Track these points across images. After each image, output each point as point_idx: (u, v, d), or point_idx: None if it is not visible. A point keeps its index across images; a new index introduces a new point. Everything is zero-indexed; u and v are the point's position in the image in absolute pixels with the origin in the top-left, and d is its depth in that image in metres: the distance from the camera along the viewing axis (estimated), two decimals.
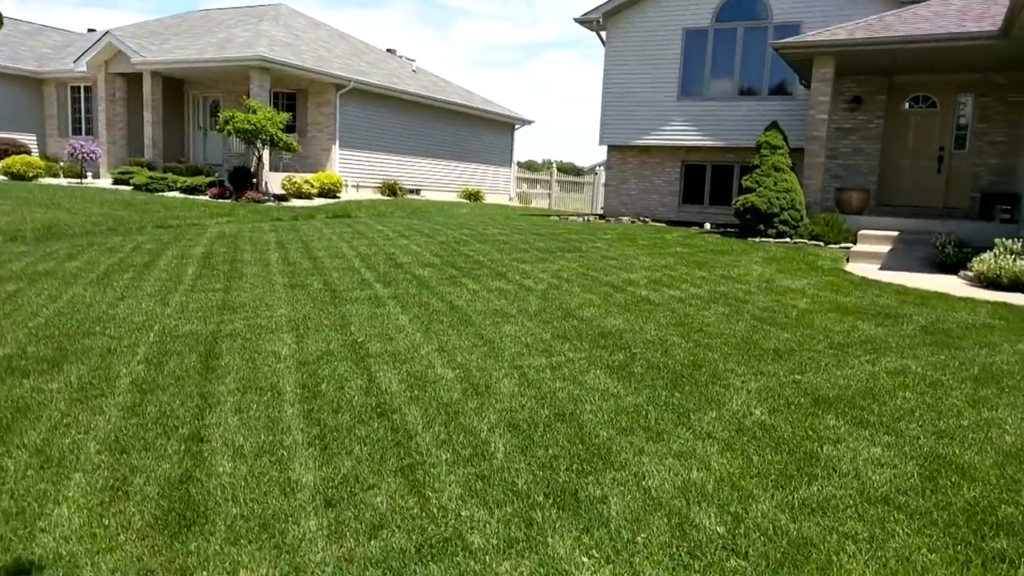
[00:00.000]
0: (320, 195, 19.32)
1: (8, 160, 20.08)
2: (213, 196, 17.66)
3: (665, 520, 3.01)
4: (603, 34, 17.30)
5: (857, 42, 11.71)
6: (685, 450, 3.68)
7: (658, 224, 15.69)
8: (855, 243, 11.36)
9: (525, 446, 3.70)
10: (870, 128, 14.52)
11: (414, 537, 2.88)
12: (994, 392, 4.61)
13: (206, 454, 3.57)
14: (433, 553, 2.77)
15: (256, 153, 18.14)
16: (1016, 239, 9.17)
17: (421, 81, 25.69)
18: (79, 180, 20.31)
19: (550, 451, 3.65)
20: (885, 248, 10.94)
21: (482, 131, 27.45)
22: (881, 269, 9.70)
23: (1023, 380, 4.86)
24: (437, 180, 25.34)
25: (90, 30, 28.30)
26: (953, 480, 3.39)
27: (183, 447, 3.64)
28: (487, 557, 2.75)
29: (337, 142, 20.93)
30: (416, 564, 2.70)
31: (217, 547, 2.81)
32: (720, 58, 16.14)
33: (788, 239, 11.78)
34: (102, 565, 2.69)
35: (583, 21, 17.16)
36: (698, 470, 3.46)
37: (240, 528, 2.93)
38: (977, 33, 10.78)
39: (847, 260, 10.38)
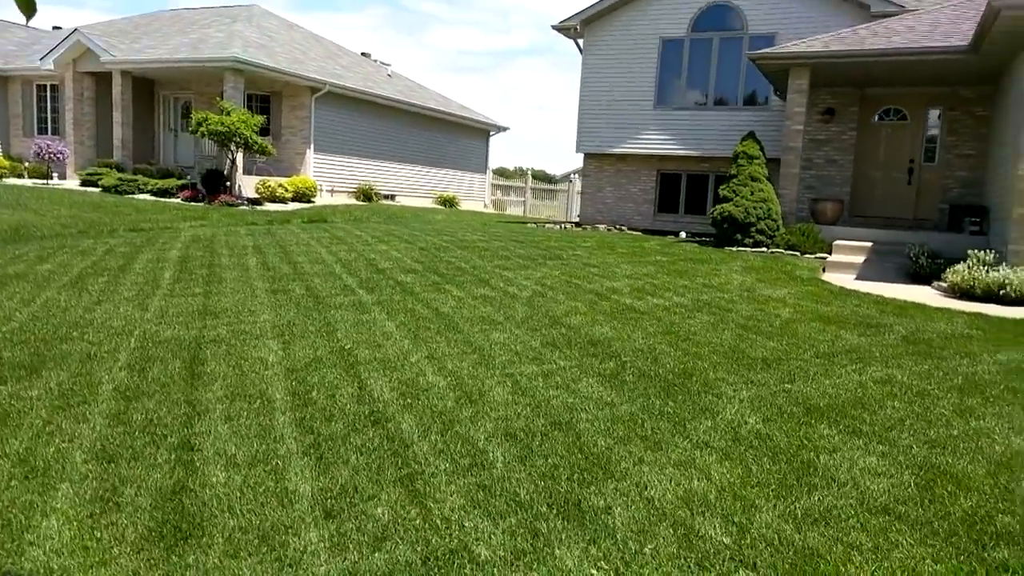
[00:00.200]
0: (295, 199, 19.11)
1: None
2: (185, 199, 17.38)
3: (671, 530, 2.99)
4: (581, 42, 17.36)
5: (833, 54, 11.91)
6: (684, 459, 3.67)
7: (634, 232, 15.78)
8: (830, 253, 11.51)
9: (524, 455, 3.66)
10: (843, 139, 14.75)
11: (419, 549, 2.82)
12: (979, 402, 4.68)
13: (198, 463, 3.47)
14: (440, 566, 2.72)
15: (230, 156, 17.89)
16: (987, 251, 9.37)
17: (396, 86, 25.58)
18: (45, 181, 19.87)
19: (550, 460, 3.61)
20: (859, 259, 11.10)
21: (458, 137, 27.39)
22: (857, 279, 9.85)
23: (1006, 390, 4.94)
24: (412, 186, 25.22)
25: (55, 27, 27.68)
26: (949, 490, 3.42)
27: (174, 456, 3.54)
28: (495, 570, 2.70)
29: (312, 146, 20.74)
30: None
31: (216, 560, 2.72)
32: (696, 68, 16.30)
33: (765, 248, 11.90)
34: None
35: (561, 28, 17.19)
36: (699, 480, 3.45)
37: (239, 540, 2.85)
38: (948, 48, 11.03)
39: (823, 270, 10.52)
